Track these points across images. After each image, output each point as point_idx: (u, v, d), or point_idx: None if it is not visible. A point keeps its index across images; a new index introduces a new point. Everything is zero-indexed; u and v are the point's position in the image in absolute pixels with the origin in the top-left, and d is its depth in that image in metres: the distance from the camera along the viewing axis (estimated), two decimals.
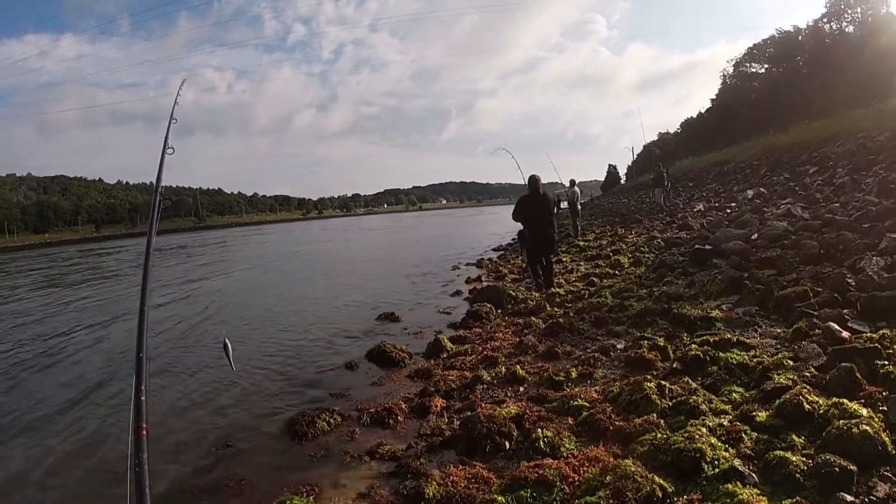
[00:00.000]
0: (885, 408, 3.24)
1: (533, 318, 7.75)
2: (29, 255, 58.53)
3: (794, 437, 3.16)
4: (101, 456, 4.78)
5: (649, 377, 4.49)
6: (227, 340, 3.52)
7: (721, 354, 4.71)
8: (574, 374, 5.18)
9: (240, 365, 7.19)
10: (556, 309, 8.22)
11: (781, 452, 2.97)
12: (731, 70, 58.28)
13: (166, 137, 4.20)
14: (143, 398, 2.64)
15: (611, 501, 2.83)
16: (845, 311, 5.15)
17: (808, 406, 3.33)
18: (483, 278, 13.24)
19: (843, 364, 3.75)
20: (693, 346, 5.08)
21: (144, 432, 2.49)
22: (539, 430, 3.90)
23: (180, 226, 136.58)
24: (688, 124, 70.15)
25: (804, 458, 2.89)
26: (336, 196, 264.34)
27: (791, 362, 4.27)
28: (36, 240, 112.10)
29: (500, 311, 8.70)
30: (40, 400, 6.52)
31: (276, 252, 31.52)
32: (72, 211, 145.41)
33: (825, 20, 44.84)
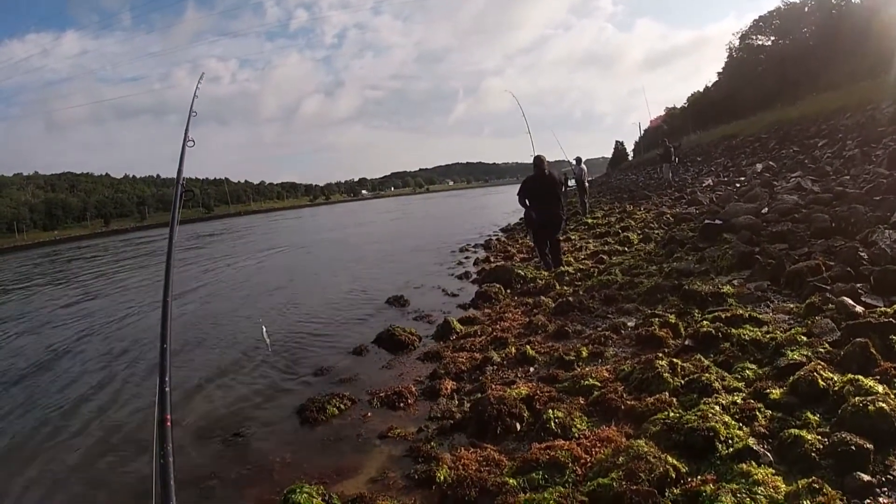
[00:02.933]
0: None
1: (542, 298, 7.70)
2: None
3: (809, 414, 3.12)
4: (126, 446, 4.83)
5: (661, 355, 4.46)
6: (263, 326, 3.49)
7: (733, 331, 4.67)
8: (585, 354, 5.16)
9: (248, 350, 7.25)
10: (565, 287, 8.16)
11: (796, 431, 2.93)
12: (737, 43, 57.48)
13: (186, 130, 4.17)
14: (167, 389, 2.66)
15: (624, 483, 2.80)
16: (858, 285, 5.09)
17: (822, 383, 3.30)
18: (491, 259, 13.13)
19: (858, 339, 3.70)
20: (705, 322, 5.05)
21: (169, 423, 2.50)
22: (550, 410, 3.88)
23: (188, 216, 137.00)
24: (694, 99, 69.28)
25: (819, 437, 2.85)
26: (343, 181, 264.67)
27: (805, 338, 4.22)
28: (46, 237, 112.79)
29: (509, 291, 8.66)
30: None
31: (287, 243, 31.57)
32: (80, 207, 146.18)
33: None
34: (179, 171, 4.03)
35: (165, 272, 3.40)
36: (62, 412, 5.90)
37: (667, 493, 2.76)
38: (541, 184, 9.25)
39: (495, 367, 5.32)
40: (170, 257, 3.48)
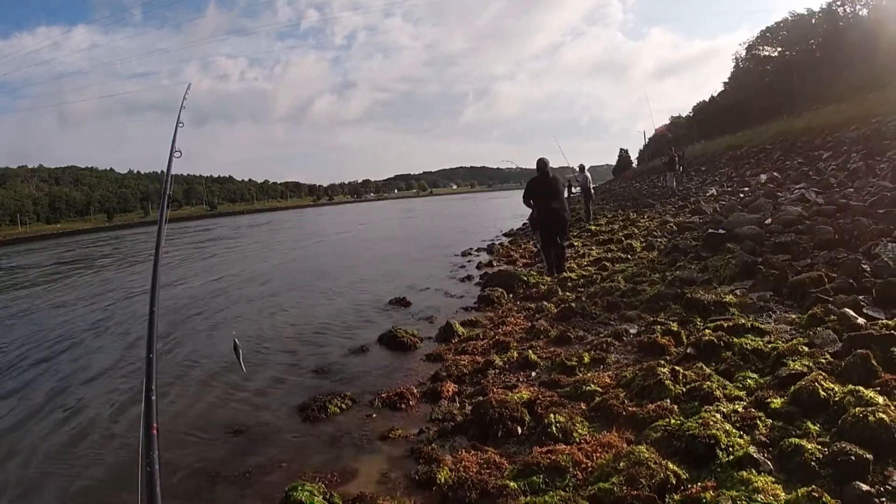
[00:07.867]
0: None
1: (545, 303, 7.71)
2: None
3: (810, 424, 3.14)
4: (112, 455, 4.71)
5: (663, 362, 4.47)
6: (236, 341, 3.44)
7: (735, 340, 4.69)
8: (587, 359, 5.16)
9: (251, 349, 7.25)
10: (568, 293, 8.18)
11: (797, 440, 2.95)
12: (743, 53, 57.59)
13: (173, 142, 4.08)
14: (153, 398, 2.65)
15: (624, 488, 2.82)
16: (860, 297, 5.11)
17: (823, 393, 3.31)
18: (494, 263, 13.18)
19: (859, 351, 3.72)
20: (707, 331, 5.06)
21: (155, 431, 2.50)
22: (551, 415, 3.90)
23: (192, 213, 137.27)
24: (700, 108, 69.37)
25: (819, 446, 2.87)
26: (347, 182, 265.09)
27: (806, 348, 4.23)
28: (49, 230, 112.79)
29: (511, 295, 8.68)
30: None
31: (294, 244, 31.61)
32: (83, 201, 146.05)
33: (839, 3, 44.28)
34: (166, 183, 3.94)
35: (152, 282, 3.33)
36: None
37: (667, 499, 2.78)
38: (545, 185, 9.31)
39: (497, 370, 5.33)
40: (156, 269, 3.41)
